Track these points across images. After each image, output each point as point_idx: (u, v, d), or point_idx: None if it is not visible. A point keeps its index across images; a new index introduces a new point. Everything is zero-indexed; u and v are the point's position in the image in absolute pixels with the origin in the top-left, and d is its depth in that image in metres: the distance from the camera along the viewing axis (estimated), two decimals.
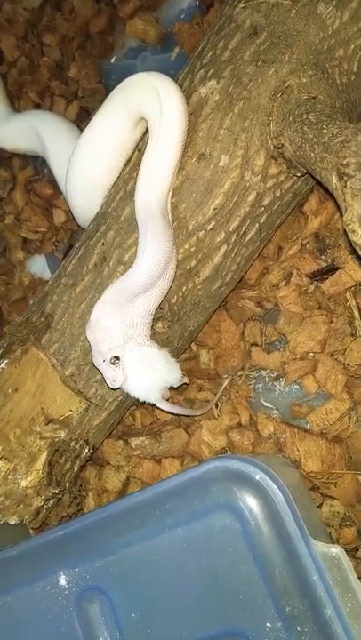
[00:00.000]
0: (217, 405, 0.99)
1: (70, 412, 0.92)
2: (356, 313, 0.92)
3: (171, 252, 0.84)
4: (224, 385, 0.98)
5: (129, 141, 0.95)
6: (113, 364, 0.83)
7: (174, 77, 0.95)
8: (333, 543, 0.78)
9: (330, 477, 0.89)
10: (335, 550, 0.67)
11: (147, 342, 0.86)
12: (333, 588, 0.65)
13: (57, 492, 0.92)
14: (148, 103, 0.90)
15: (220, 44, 0.90)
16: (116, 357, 0.83)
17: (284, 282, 0.98)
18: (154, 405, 0.90)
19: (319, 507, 0.89)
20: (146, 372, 0.85)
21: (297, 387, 0.95)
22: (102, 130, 0.97)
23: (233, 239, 0.90)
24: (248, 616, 0.67)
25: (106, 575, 0.75)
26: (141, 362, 0.84)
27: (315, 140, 0.74)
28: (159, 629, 0.72)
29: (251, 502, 0.67)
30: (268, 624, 0.66)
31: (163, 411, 0.95)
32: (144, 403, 0.90)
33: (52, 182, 1.30)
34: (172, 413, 0.96)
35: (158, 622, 0.72)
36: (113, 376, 0.84)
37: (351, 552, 0.86)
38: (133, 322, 0.85)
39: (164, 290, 0.86)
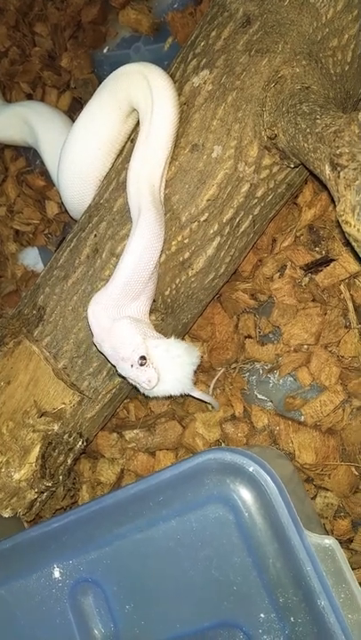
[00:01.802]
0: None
1: (63, 405, 0.92)
2: (350, 305, 0.92)
3: (157, 248, 0.83)
4: (217, 377, 0.98)
5: (121, 132, 0.95)
6: (142, 365, 0.80)
7: (167, 67, 0.94)
8: (327, 534, 0.78)
9: (324, 469, 0.89)
10: (329, 541, 0.67)
11: (158, 335, 0.84)
12: (327, 579, 0.65)
13: (50, 484, 0.92)
14: (138, 94, 0.89)
15: (213, 33, 0.89)
16: (143, 357, 0.80)
17: (279, 274, 0.98)
18: (189, 395, 0.89)
19: (313, 498, 0.90)
20: (175, 363, 0.83)
21: (291, 379, 0.95)
22: (93, 121, 0.96)
23: (227, 231, 0.89)
24: (242, 607, 0.67)
25: (100, 567, 0.75)
26: (168, 353, 0.82)
27: (308, 130, 0.73)
28: (153, 621, 0.72)
29: (244, 494, 0.67)
30: (262, 615, 0.66)
31: (195, 398, 0.94)
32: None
33: (45, 174, 1.30)
34: (203, 400, 0.95)
35: (152, 614, 0.72)
36: (148, 377, 0.81)
37: (345, 543, 0.87)
38: (139, 319, 0.83)
39: (152, 290, 0.86)
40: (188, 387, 0.86)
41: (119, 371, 0.83)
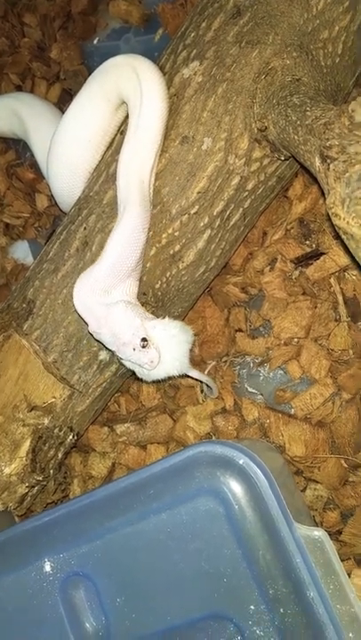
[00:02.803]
0: (202, 391, 0.99)
1: (53, 399, 0.91)
2: (340, 298, 0.93)
3: (138, 243, 0.83)
4: (207, 370, 0.98)
5: (110, 125, 0.94)
6: (144, 347, 0.80)
7: (157, 59, 0.93)
8: (317, 526, 0.78)
9: (314, 461, 0.89)
10: (318, 533, 0.68)
11: (151, 316, 0.85)
12: (316, 571, 0.65)
13: (41, 478, 0.92)
14: (128, 87, 0.88)
15: (203, 24, 0.88)
16: (144, 339, 0.80)
17: (269, 267, 0.98)
18: (186, 375, 0.90)
19: (303, 491, 0.90)
20: (172, 342, 0.83)
21: (281, 372, 0.96)
22: (83, 113, 0.95)
23: (217, 224, 0.89)
24: (232, 599, 0.68)
25: (91, 561, 0.75)
26: (166, 332, 0.83)
27: (298, 122, 0.73)
28: (144, 614, 0.72)
29: (235, 486, 0.67)
30: (252, 606, 0.67)
31: (192, 378, 0.94)
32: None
33: (34, 166, 1.28)
34: (200, 380, 0.96)
35: (143, 607, 0.72)
36: (149, 358, 0.81)
37: (334, 535, 0.87)
38: (132, 302, 0.83)
39: (138, 273, 0.86)
40: (185, 366, 0.87)
41: (120, 355, 0.84)
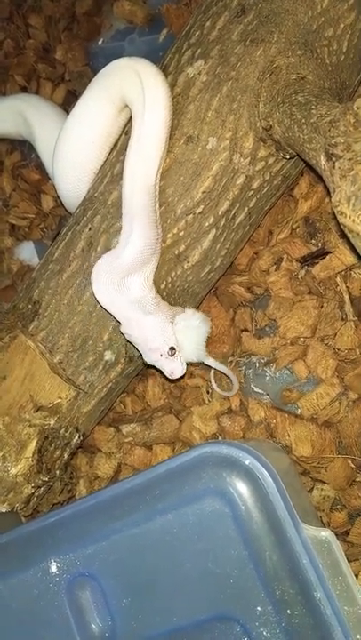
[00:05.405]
0: (208, 391, 0.99)
1: (59, 400, 0.91)
2: (346, 297, 0.92)
3: (156, 241, 0.84)
4: (212, 370, 0.97)
5: (114, 127, 0.94)
6: (171, 355, 0.82)
7: (162, 58, 0.93)
8: (324, 527, 0.78)
9: (320, 462, 0.89)
10: (325, 534, 0.67)
11: (173, 310, 0.86)
12: (323, 572, 0.65)
13: (47, 479, 0.92)
14: (131, 91, 0.88)
15: (208, 23, 0.88)
16: (172, 348, 0.82)
17: (275, 267, 0.98)
18: (202, 364, 0.92)
19: (310, 491, 0.90)
20: (193, 334, 0.86)
21: (287, 372, 0.95)
22: (87, 115, 0.95)
23: (222, 223, 0.89)
24: (239, 600, 0.67)
25: (97, 561, 0.75)
26: (188, 327, 0.85)
27: (303, 120, 0.73)
28: (150, 614, 0.72)
29: (241, 487, 0.67)
30: (259, 608, 0.66)
31: (209, 367, 0.95)
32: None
33: (40, 167, 1.29)
34: (217, 370, 0.96)
35: (149, 607, 0.72)
36: (172, 368, 0.83)
37: (342, 535, 0.87)
38: (157, 298, 0.85)
39: (156, 260, 0.87)
40: (203, 354, 0.89)
41: (144, 358, 0.85)
